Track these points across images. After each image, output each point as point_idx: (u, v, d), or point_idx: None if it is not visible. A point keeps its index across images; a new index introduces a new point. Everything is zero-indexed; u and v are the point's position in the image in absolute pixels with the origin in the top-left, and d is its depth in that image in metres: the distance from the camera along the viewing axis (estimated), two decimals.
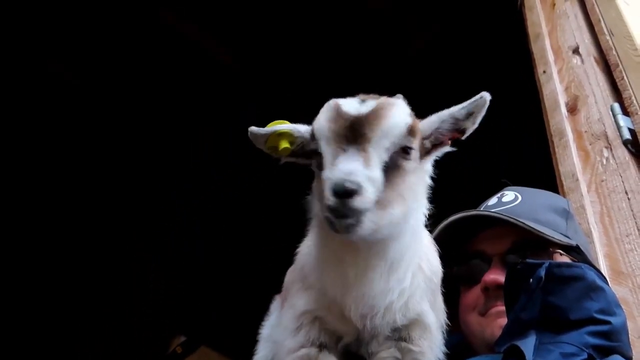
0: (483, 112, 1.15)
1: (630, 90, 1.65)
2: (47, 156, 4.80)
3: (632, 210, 1.48)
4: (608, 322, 1.13)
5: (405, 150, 1.08)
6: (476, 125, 1.17)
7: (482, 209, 1.45)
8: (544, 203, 1.41)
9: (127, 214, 5.22)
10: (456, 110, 1.15)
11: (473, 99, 1.15)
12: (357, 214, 0.97)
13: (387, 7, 3.82)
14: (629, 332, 1.21)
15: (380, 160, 1.03)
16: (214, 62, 4.23)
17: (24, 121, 4.56)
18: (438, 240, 1.32)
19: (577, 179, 1.62)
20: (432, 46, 3.97)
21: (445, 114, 1.17)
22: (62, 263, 5.27)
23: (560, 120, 1.80)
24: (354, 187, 0.96)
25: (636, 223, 1.45)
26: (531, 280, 1.13)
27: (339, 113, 1.07)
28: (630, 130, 1.60)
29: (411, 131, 1.09)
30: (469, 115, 1.16)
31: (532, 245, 1.30)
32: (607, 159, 1.62)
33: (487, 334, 1.31)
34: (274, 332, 1.34)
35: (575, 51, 1.94)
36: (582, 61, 1.89)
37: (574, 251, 1.32)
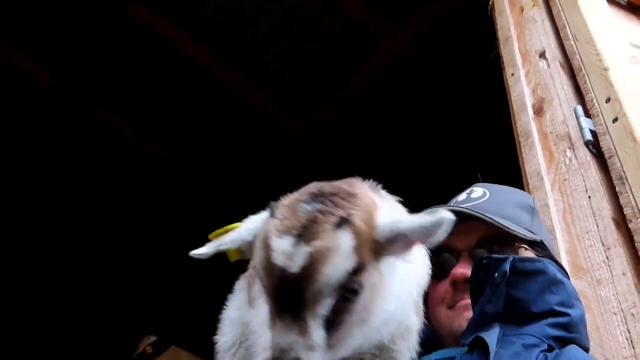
0: (443, 234, 1.00)
1: (592, 93, 1.72)
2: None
3: (592, 208, 1.55)
4: (567, 315, 1.19)
5: (351, 291, 0.96)
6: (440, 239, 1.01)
7: (451, 204, 1.50)
8: (511, 200, 1.47)
9: (96, 213, 5.19)
10: (415, 229, 1.01)
11: (432, 220, 1.00)
12: None
13: (361, 9, 3.89)
14: (587, 324, 1.28)
15: (320, 319, 0.94)
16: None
17: None
18: None
19: (542, 178, 1.69)
20: (403, 48, 4.05)
21: (400, 229, 1.01)
22: (29, 262, 5.22)
23: (526, 122, 1.87)
24: None
25: (595, 220, 1.53)
26: (496, 274, 1.18)
27: (270, 264, 0.93)
28: (591, 131, 1.67)
29: (357, 270, 0.96)
30: (428, 235, 1.01)
31: (499, 239, 1.35)
32: (570, 159, 1.69)
33: (454, 326, 1.36)
34: (244, 316, 1.31)
35: (542, 55, 2.01)
36: (548, 65, 1.96)
37: (538, 246, 1.38)
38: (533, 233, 1.40)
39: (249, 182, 5.04)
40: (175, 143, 4.85)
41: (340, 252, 0.93)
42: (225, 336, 1.39)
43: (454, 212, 1.39)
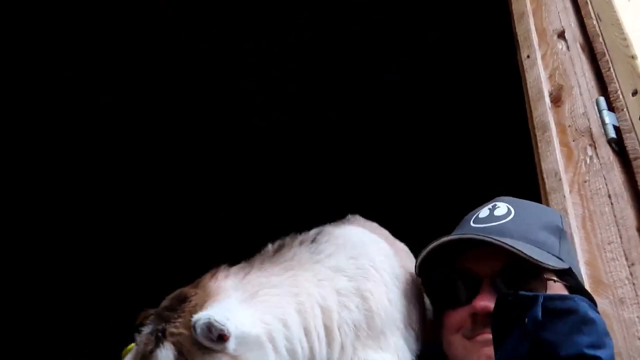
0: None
1: (617, 83, 1.56)
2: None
3: (615, 216, 1.41)
4: (598, 358, 1.08)
5: None
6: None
7: (472, 220, 1.37)
8: (538, 220, 1.34)
9: (116, 203, 5.14)
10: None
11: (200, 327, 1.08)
12: None
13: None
14: None
15: None
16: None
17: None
18: (426, 257, 1.30)
19: (560, 179, 1.55)
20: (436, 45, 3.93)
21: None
22: (49, 251, 5.20)
23: (543, 112, 1.70)
24: None
25: (619, 230, 1.39)
26: (527, 320, 1.07)
27: None
28: (615, 127, 1.52)
29: None
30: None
31: (525, 270, 1.24)
32: (590, 157, 1.54)
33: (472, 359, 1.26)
34: None
35: (561, 35, 1.83)
36: (568, 47, 1.79)
37: (566, 274, 1.26)
38: (562, 260, 1.27)
39: (259, 176, 5.05)
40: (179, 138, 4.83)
41: None
42: None
43: (476, 239, 1.28)
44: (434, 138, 4.71)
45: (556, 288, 1.23)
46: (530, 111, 1.77)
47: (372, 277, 1.32)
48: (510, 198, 1.41)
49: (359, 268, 1.32)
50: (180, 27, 4.23)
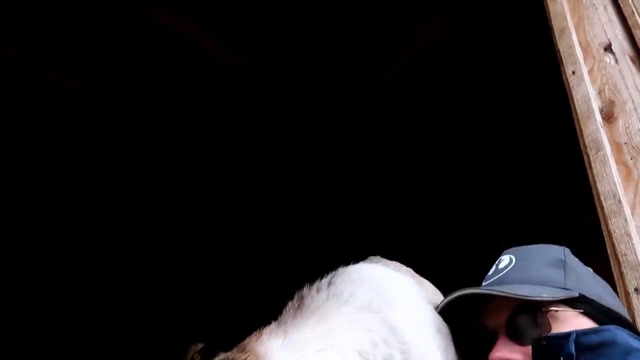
0: None
1: None
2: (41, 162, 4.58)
3: None
4: None
5: None
6: None
7: (483, 281, 1.40)
8: (538, 260, 1.34)
9: (116, 203, 5.06)
10: None
11: None
12: None
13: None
14: None
15: None
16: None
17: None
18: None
19: (620, 200, 1.51)
20: (436, 44, 3.86)
21: None
22: (78, 267, 5.16)
23: (595, 130, 1.66)
24: None
25: None
26: (561, 358, 1.05)
27: None
28: None
29: None
30: None
31: (529, 308, 1.23)
32: None
33: None
34: None
35: (608, 49, 1.79)
36: (617, 60, 1.75)
37: (579, 302, 1.24)
38: (567, 289, 1.26)
39: (259, 176, 5.01)
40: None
41: None
42: None
43: (474, 295, 1.30)
44: (435, 138, 4.69)
45: (565, 317, 1.22)
46: (581, 130, 1.72)
47: (397, 304, 1.32)
48: (515, 248, 1.43)
49: (383, 300, 1.31)
50: (180, 27, 4.13)
